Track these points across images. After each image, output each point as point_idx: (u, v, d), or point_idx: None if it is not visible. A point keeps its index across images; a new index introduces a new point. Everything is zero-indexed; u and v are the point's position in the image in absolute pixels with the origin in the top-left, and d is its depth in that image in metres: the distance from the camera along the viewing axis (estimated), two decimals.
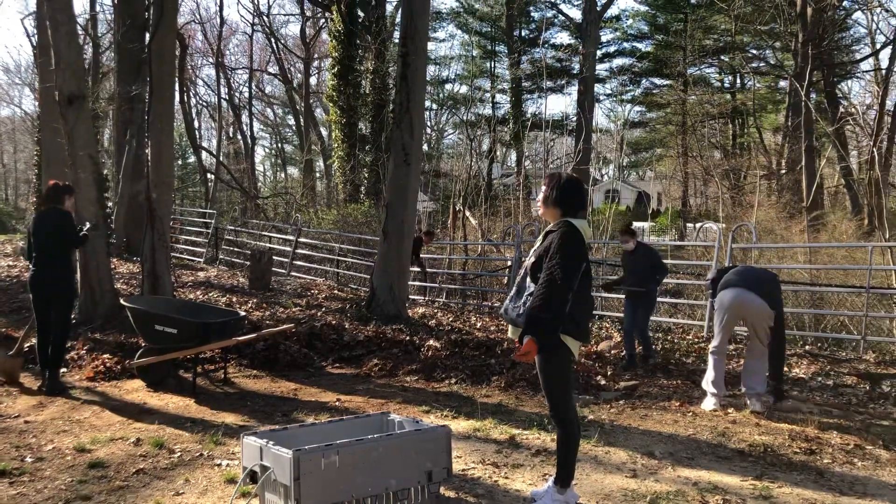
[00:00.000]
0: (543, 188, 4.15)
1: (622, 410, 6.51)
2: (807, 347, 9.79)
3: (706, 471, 4.84)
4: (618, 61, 42.43)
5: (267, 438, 3.95)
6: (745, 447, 5.37)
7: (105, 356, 7.85)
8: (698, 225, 17.93)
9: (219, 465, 4.86)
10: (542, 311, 3.86)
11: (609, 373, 7.93)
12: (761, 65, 34.71)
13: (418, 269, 14.05)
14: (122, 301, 7.73)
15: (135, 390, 6.97)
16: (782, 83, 34.02)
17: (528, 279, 4.06)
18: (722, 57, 35.95)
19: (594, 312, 8.85)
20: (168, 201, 9.66)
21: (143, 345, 7.45)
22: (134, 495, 4.34)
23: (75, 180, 9.60)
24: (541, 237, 4.16)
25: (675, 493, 4.40)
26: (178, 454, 5.07)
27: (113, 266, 12.02)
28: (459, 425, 5.84)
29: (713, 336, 6.90)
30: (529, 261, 4.10)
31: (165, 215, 9.55)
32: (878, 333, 10.48)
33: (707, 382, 6.76)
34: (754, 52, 34.69)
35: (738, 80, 39.14)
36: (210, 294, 12.35)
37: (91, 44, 24.27)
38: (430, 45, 44.53)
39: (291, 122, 47.24)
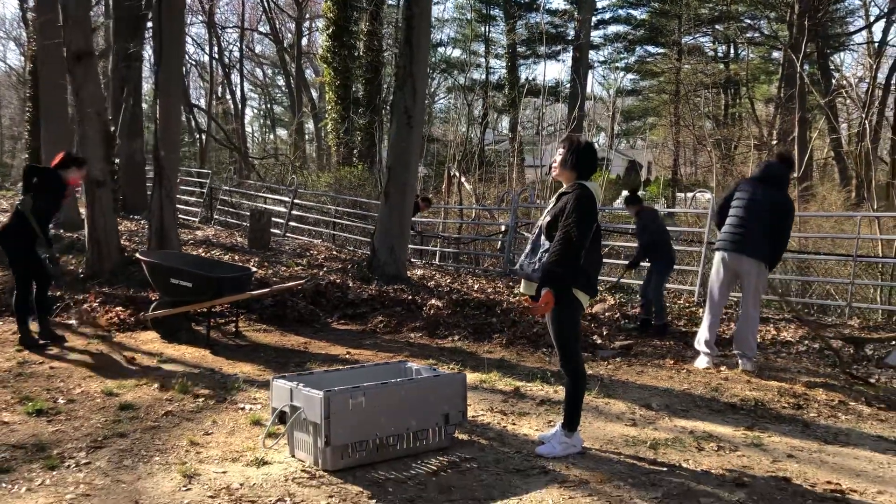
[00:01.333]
0: (561, 151, 4.38)
1: (619, 367, 6.84)
2: (796, 311, 10.14)
3: (701, 421, 5.16)
4: (613, 28, 42.39)
5: (296, 381, 4.22)
6: (736, 401, 5.69)
7: (118, 308, 8.09)
8: (690, 193, 18.21)
9: (242, 408, 5.14)
10: (558, 266, 4.11)
11: (605, 333, 8.26)
12: (756, 35, 34.81)
13: (414, 233, 14.27)
14: (138, 255, 7.95)
15: (150, 341, 7.23)
16: (776, 54, 34.19)
17: (543, 237, 4.32)
18: (717, 26, 35.98)
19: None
20: (176, 159, 9.80)
21: (154, 298, 7.70)
22: (167, 434, 4.61)
23: (83, 136, 9.75)
24: (554, 199, 4.41)
25: (673, 439, 4.72)
26: (203, 399, 5.35)
27: (116, 223, 12.17)
28: (466, 377, 6.13)
29: (708, 296, 7.12)
30: (544, 220, 4.35)
31: (173, 173, 9.70)
32: (863, 301, 10.84)
33: (700, 342, 7.07)
34: (749, 21, 34.77)
35: (733, 50, 39.24)
36: (212, 252, 12.55)
37: None
38: None
39: (281, 82, 47.01)
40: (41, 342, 6.82)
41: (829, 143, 28.98)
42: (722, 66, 37.21)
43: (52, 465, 4.06)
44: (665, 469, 4.18)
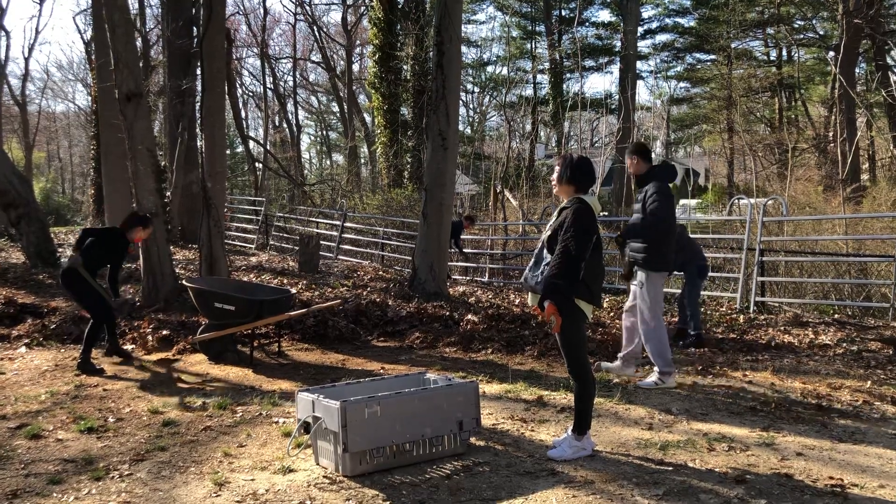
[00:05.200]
0: (557, 168, 4.61)
1: (646, 375, 6.94)
2: (836, 316, 10.05)
3: (717, 424, 5.27)
4: (660, 37, 42.25)
5: (318, 393, 4.51)
6: (756, 404, 5.77)
7: (166, 332, 8.55)
8: (732, 199, 18.09)
9: (276, 422, 5.47)
10: (557, 278, 4.33)
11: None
12: (808, 35, 34.18)
13: (455, 251, 14.51)
14: (184, 282, 8.40)
15: (198, 363, 7.64)
16: (832, 53, 33.50)
17: (545, 251, 4.54)
18: (767, 29, 35.49)
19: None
20: (222, 190, 10.32)
21: (203, 322, 8.12)
22: (204, 447, 4.96)
23: (135, 172, 10.32)
24: (556, 213, 4.62)
25: (686, 441, 4.85)
26: (240, 414, 5.69)
27: (171, 252, 12.77)
28: (492, 388, 6.36)
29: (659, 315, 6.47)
30: (546, 235, 4.57)
31: (220, 203, 10.22)
32: None
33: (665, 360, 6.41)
34: (801, 23, 34.19)
35: (785, 53, 38.59)
36: (262, 276, 13.05)
37: (140, 39, 25.12)
38: (471, 28, 44.73)
39: (335, 109, 48.08)
40: (98, 367, 7.31)
41: (893, 142, 28.21)
42: (774, 69, 36.64)
43: (98, 476, 4.43)
44: (671, 469, 4.33)
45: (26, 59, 77.15)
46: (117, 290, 7.81)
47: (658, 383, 6.36)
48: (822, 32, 33.19)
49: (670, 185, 6.48)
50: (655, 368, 6.44)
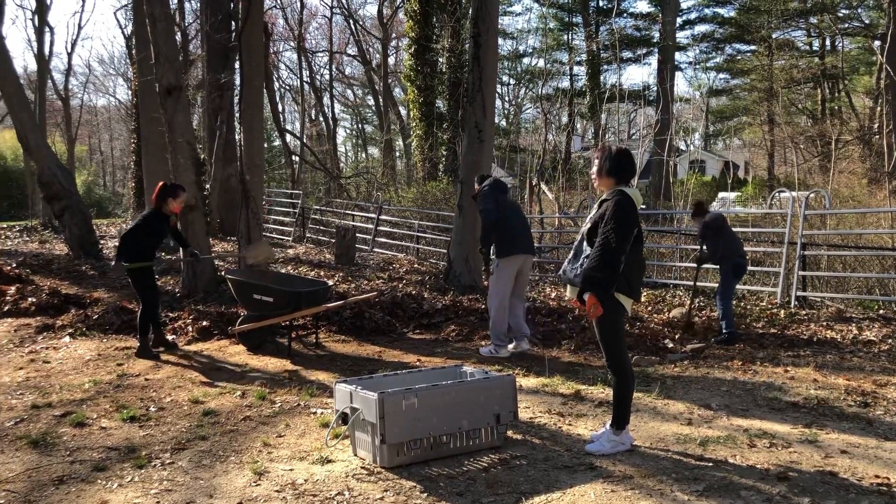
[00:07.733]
0: (596, 160, 4.56)
1: (685, 369, 6.88)
2: (881, 312, 9.84)
3: (758, 420, 5.19)
4: (699, 28, 41.70)
5: (356, 384, 4.54)
6: (799, 400, 5.67)
7: (206, 323, 8.65)
8: (773, 192, 17.78)
9: (314, 413, 5.51)
10: (597, 271, 4.28)
11: (677, 336, 8.28)
12: (853, 24, 33.39)
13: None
14: (223, 273, 8.49)
15: (237, 353, 7.73)
16: (878, 42, 32.72)
17: (585, 243, 4.50)
18: (810, 19, 34.75)
19: (681, 283, 9.07)
20: (260, 183, 10.41)
21: (241, 313, 8.21)
22: (243, 437, 5.02)
23: (175, 165, 10.45)
24: (596, 205, 4.58)
25: (726, 437, 4.79)
26: (279, 405, 5.75)
27: (210, 245, 12.92)
28: (529, 382, 6.34)
29: (500, 296, 7.41)
30: (586, 227, 4.53)
31: (258, 196, 10.31)
32: None
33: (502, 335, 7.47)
34: (845, 11, 33.42)
35: (828, 42, 37.76)
36: (300, 269, 13.16)
37: (179, 33, 25.38)
38: (507, 20, 44.56)
39: (371, 102, 48.20)
40: (155, 351, 7.49)
41: None
42: (817, 59, 35.89)
43: (141, 464, 4.51)
44: (711, 464, 4.28)
45: (69, 55, 78.61)
46: (185, 242, 8.35)
47: (492, 352, 7.45)
48: (867, 21, 32.41)
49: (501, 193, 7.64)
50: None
